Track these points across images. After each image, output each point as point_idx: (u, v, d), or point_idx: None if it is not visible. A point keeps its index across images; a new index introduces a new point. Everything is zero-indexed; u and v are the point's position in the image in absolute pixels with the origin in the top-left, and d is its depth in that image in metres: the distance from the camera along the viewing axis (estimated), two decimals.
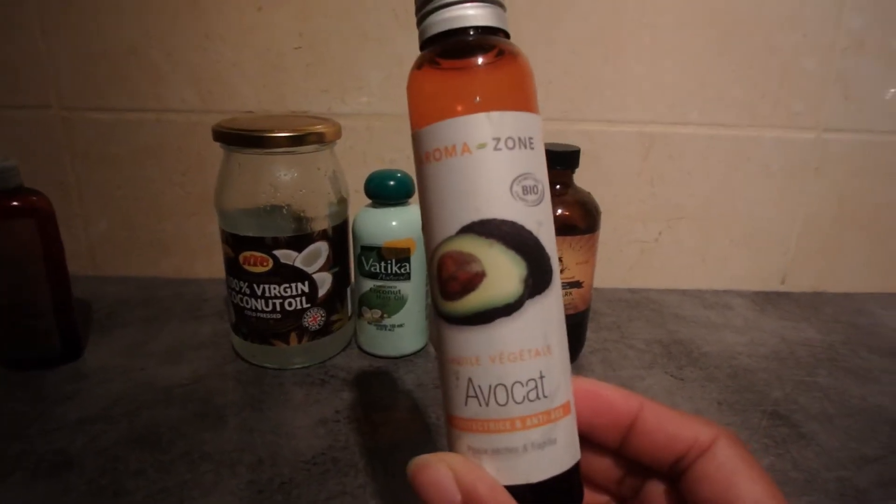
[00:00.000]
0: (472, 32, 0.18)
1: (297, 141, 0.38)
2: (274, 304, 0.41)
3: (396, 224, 0.42)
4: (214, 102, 0.54)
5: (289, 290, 0.40)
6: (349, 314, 0.46)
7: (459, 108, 0.17)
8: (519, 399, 0.16)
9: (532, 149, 0.17)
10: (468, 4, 0.18)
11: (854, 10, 0.52)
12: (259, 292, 0.40)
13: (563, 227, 0.40)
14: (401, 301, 0.43)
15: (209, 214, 0.57)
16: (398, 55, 0.53)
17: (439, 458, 0.17)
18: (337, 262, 0.42)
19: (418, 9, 0.18)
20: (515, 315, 0.16)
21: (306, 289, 0.41)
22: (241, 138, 0.38)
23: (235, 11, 0.51)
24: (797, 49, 0.53)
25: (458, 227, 0.17)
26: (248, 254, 0.39)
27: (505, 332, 0.16)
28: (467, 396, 0.17)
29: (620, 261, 0.60)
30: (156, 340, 0.47)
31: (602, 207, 0.43)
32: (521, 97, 0.18)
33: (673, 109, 0.55)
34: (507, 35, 0.19)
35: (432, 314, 0.18)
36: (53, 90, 0.54)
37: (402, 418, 0.38)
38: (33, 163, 0.55)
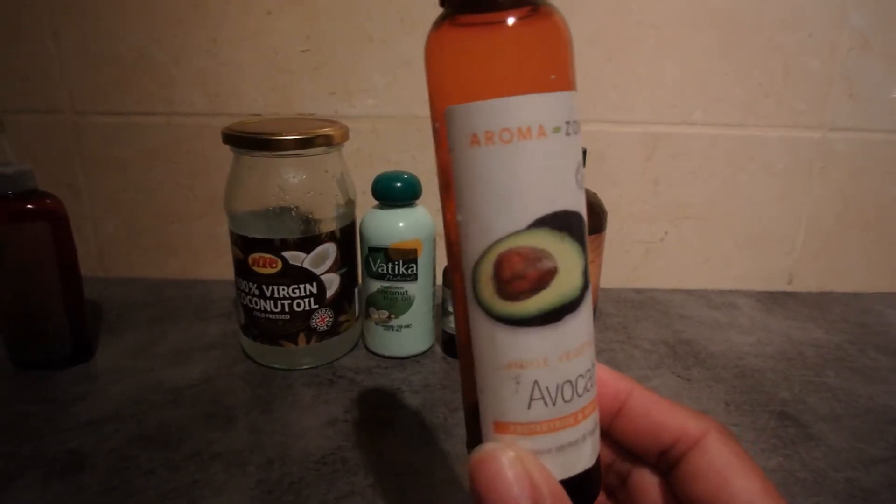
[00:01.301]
0: None
1: (306, 143, 0.38)
2: (283, 305, 0.41)
3: (403, 225, 0.42)
4: (222, 105, 0.55)
5: (297, 291, 0.41)
6: (357, 315, 0.46)
7: (537, 83, 0.15)
8: (581, 391, 0.16)
9: (580, 133, 0.16)
10: None
11: (858, 9, 0.52)
12: (268, 293, 0.41)
13: None
14: (408, 302, 0.43)
15: (216, 216, 0.58)
16: (403, 58, 0.53)
17: (507, 453, 0.15)
18: (345, 263, 0.43)
19: None
20: (578, 310, 0.16)
21: (314, 290, 0.41)
22: (250, 141, 0.38)
23: (243, 16, 0.52)
24: (801, 48, 0.53)
25: (529, 220, 0.15)
26: (257, 255, 0.40)
27: (571, 328, 0.15)
28: (531, 399, 0.16)
29: (626, 261, 0.60)
30: (164, 341, 0.47)
31: (607, 207, 0.43)
32: (567, 74, 0.16)
33: (676, 109, 0.55)
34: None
35: (474, 318, 0.16)
36: (65, 95, 0.54)
37: (410, 418, 0.38)
38: (44, 165, 0.55)
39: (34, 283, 0.40)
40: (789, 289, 0.61)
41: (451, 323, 0.45)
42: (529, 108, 0.14)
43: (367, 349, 0.46)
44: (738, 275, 0.60)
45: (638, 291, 0.60)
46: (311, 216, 0.40)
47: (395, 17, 0.52)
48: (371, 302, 0.44)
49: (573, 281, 0.15)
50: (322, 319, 0.42)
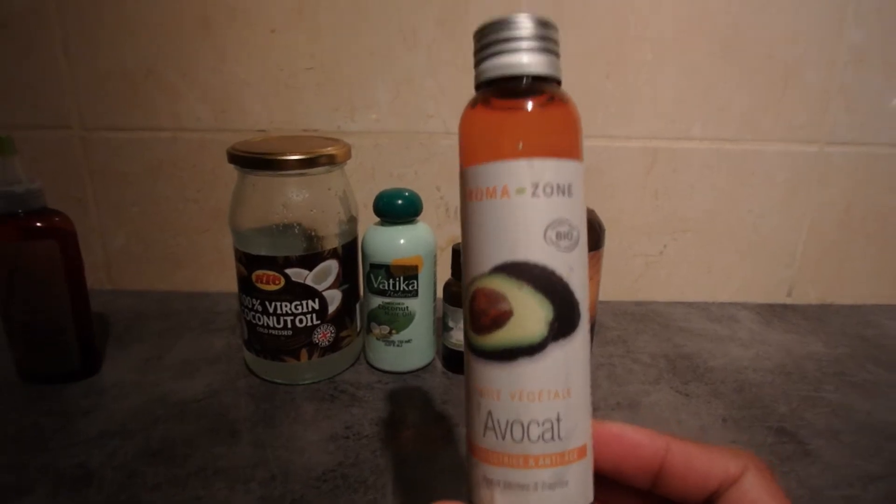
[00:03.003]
0: (524, 79, 0.18)
1: (309, 163, 0.39)
2: (285, 322, 0.42)
3: (404, 242, 0.43)
4: (228, 121, 0.56)
5: (300, 307, 0.41)
6: (358, 330, 0.47)
7: (503, 152, 0.18)
8: (534, 438, 0.17)
9: (570, 195, 0.18)
10: (524, 52, 0.18)
11: (855, 23, 0.52)
12: (271, 310, 0.41)
13: None
14: (409, 317, 0.44)
15: (222, 229, 0.59)
16: (406, 74, 0.54)
17: None
18: (346, 279, 0.43)
19: (476, 52, 0.19)
20: (538, 356, 0.17)
21: (316, 306, 0.42)
22: (254, 161, 0.39)
23: (249, 34, 0.53)
24: (799, 62, 0.53)
25: (491, 265, 0.17)
26: (260, 272, 0.41)
27: (526, 371, 0.17)
28: (486, 427, 0.18)
29: (626, 274, 0.60)
30: (170, 354, 0.48)
31: (607, 221, 0.44)
32: (565, 144, 0.18)
33: (676, 124, 0.55)
34: (558, 82, 0.19)
35: (464, 344, 0.19)
36: (74, 110, 0.55)
37: (411, 434, 0.39)
38: (53, 179, 0.56)
39: (43, 299, 0.41)
40: (789, 301, 0.61)
41: (451, 338, 0.45)
42: (493, 172, 0.18)
43: (369, 364, 0.47)
44: (738, 287, 0.61)
45: (638, 304, 0.60)
46: (313, 233, 0.41)
47: (397, 34, 0.53)
48: (372, 317, 0.45)
49: (531, 327, 0.17)
50: (324, 335, 0.43)
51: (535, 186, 0.17)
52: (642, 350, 0.51)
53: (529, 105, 0.18)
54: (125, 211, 0.59)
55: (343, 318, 0.44)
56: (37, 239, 0.40)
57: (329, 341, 0.44)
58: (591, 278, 0.42)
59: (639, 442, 0.19)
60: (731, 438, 0.39)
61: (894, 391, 0.45)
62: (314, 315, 0.42)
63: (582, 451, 0.18)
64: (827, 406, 0.43)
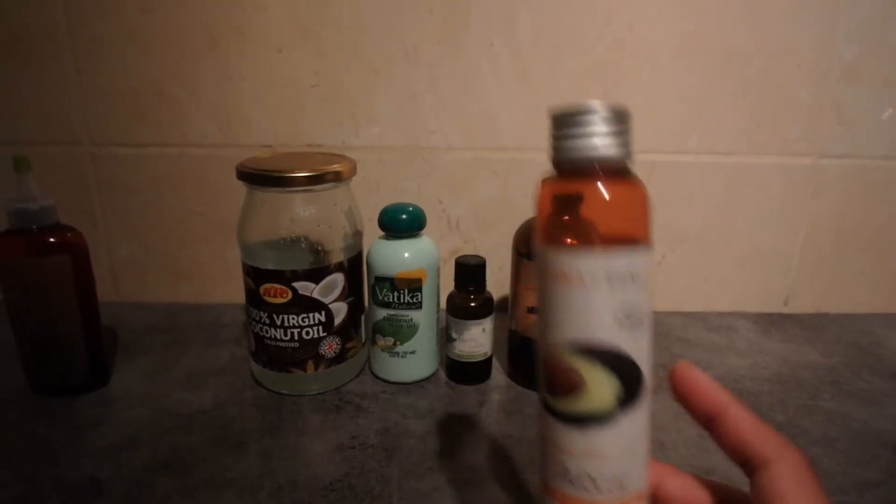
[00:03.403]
0: (599, 164, 0.19)
1: (316, 180, 0.40)
2: (292, 334, 0.42)
3: (409, 255, 0.44)
4: (234, 137, 0.57)
5: (306, 319, 0.42)
6: (363, 341, 0.48)
7: (579, 241, 0.19)
8: (602, 489, 0.19)
9: (639, 281, 0.19)
10: (599, 137, 0.19)
11: (847, 40, 0.54)
12: (278, 322, 0.42)
13: None
14: (413, 329, 0.45)
15: (227, 242, 0.60)
16: (408, 90, 0.55)
17: None
18: (352, 291, 0.44)
19: (553, 134, 0.20)
20: (607, 425, 0.19)
21: (323, 318, 0.43)
22: (262, 178, 0.40)
23: (255, 53, 0.54)
24: (792, 78, 0.55)
25: (566, 340, 0.19)
26: (268, 286, 0.42)
27: (597, 437, 0.19)
28: (558, 474, 0.20)
29: None
30: (177, 366, 0.49)
31: None
32: (636, 232, 0.19)
33: (672, 138, 0.57)
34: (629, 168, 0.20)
35: (539, 397, 0.21)
36: (83, 127, 0.57)
37: (416, 444, 0.39)
38: (61, 193, 0.57)
39: (55, 312, 0.42)
40: (786, 310, 0.62)
41: (454, 349, 0.46)
42: (571, 261, 0.19)
43: (373, 374, 0.48)
44: (735, 296, 0.62)
45: None
46: (320, 247, 0.42)
47: (399, 52, 0.54)
48: (377, 329, 0.46)
49: (601, 401, 0.19)
50: (330, 346, 0.44)
51: (608, 277, 0.19)
52: None
53: (604, 193, 0.19)
54: (132, 224, 0.60)
55: (349, 329, 0.45)
56: (49, 254, 0.41)
57: (335, 353, 0.44)
58: None
59: (704, 387, 0.22)
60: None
61: (890, 399, 0.46)
62: (321, 327, 0.43)
63: (639, 496, 0.20)
64: (823, 414, 0.44)
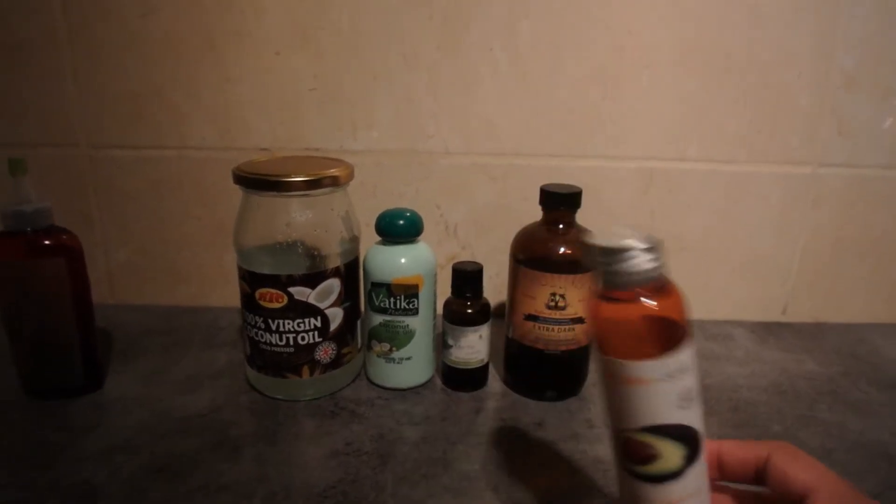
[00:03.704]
0: (647, 289, 0.23)
1: (313, 184, 0.40)
2: (287, 339, 0.42)
3: (405, 261, 0.44)
4: (232, 140, 0.57)
5: (302, 325, 0.42)
6: (359, 347, 0.48)
7: (642, 354, 0.24)
8: None
9: (688, 370, 0.24)
10: (645, 261, 0.23)
11: (847, 48, 0.54)
12: (274, 327, 0.42)
13: (567, 265, 0.42)
14: (409, 335, 0.45)
15: (224, 245, 0.60)
16: (406, 95, 0.55)
17: None
18: (348, 297, 0.44)
19: (602, 259, 0.23)
20: (679, 478, 0.25)
21: (319, 323, 0.43)
22: (259, 182, 0.40)
23: (254, 56, 0.54)
24: (791, 86, 0.55)
25: (640, 426, 0.24)
26: (263, 290, 0.41)
27: (672, 488, 0.25)
28: None
29: None
30: (174, 370, 0.49)
31: None
32: (683, 332, 0.24)
33: (672, 145, 0.56)
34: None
35: (621, 465, 0.26)
36: (81, 129, 0.56)
37: (410, 451, 0.39)
38: (59, 196, 0.57)
39: (50, 315, 0.42)
40: (783, 319, 0.62)
41: (450, 355, 0.46)
42: (636, 369, 0.24)
43: (369, 380, 0.48)
44: (733, 305, 0.61)
45: None
46: (316, 252, 0.42)
47: (398, 56, 0.54)
48: (373, 335, 0.45)
49: (672, 463, 0.25)
50: (325, 352, 0.44)
51: (668, 375, 0.24)
52: None
53: (655, 309, 0.24)
54: (129, 227, 0.60)
55: (345, 335, 0.45)
56: (45, 257, 0.41)
57: (330, 358, 0.44)
58: (586, 298, 0.43)
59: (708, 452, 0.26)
60: None
61: (887, 410, 0.46)
62: (316, 332, 0.43)
63: None
64: (821, 425, 0.44)
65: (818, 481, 0.24)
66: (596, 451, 0.40)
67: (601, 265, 0.24)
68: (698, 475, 0.25)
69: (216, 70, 0.55)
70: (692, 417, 0.24)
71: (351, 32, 0.54)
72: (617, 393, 0.25)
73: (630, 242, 0.23)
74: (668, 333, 0.24)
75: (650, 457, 0.24)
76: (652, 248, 0.23)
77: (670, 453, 0.24)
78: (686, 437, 0.24)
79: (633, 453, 0.25)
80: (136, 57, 0.54)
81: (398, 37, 0.54)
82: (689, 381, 0.24)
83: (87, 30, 0.54)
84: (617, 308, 0.24)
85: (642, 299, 0.23)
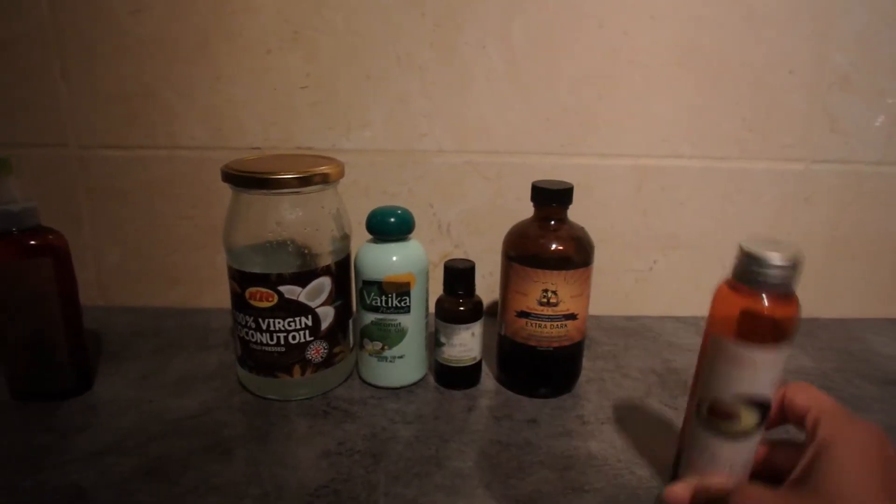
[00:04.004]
0: (780, 293, 0.29)
1: (303, 182, 0.40)
2: (278, 338, 0.42)
3: (397, 259, 0.43)
4: (223, 139, 0.57)
5: (293, 324, 0.42)
6: (351, 346, 0.47)
7: (760, 340, 0.29)
8: (734, 471, 0.32)
9: (782, 362, 0.30)
10: (784, 271, 0.28)
11: (839, 48, 0.54)
12: (264, 326, 0.42)
13: (559, 262, 0.42)
14: (401, 333, 0.45)
15: (216, 246, 0.59)
16: (400, 94, 0.55)
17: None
18: (339, 295, 0.44)
19: (749, 261, 0.29)
20: (748, 439, 0.31)
21: (310, 322, 0.42)
22: (248, 180, 0.40)
23: (245, 54, 0.54)
24: (785, 85, 0.55)
25: (734, 394, 0.30)
26: (254, 289, 0.41)
27: (742, 445, 0.31)
28: (703, 462, 0.32)
29: (616, 289, 0.61)
30: (165, 372, 0.48)
31: (597, 238, 0.45)
32: (792, 334, 0.30)
33: (665, 143, 0.57)
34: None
35: (694, 422, 0.32)
36: (71, 129, 0.56)
37: (403, 450, 0.39)
38: (48, 197, 0.57)
39: (37, 317, 0.42)
40: None
41: (443, 353, 0.46)
42: (754, 353, 0.29)
43: (361, 379, 0.47)
44: None
45: (629, 319, 0.61)
46: (307, 251, 0.42)
47: (392, 56, 0.54)
48: (365, 333, 0.45)
49: (748, 426, 0.31)
50: (317, 351, 0.44)
51: (773, 362, 0.29)
52: (632, 365, 0.51)
53: (782, 310, 0.29)
54: (120, 228, 0.59)
55: (336, 334, 0.44)
56: (31, 257, 0.40)
57: (322, 357, 0.44)
58: (581, 294, 0.43)
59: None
60: None
61: (880, 405, 0.46)
62: (307, 332, 0.42)
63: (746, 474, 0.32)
64: None
65: (814, 401, 0.30)
66: (589, 447, 0.40)
67: (742, 264, 0.29)
68: (757, 440, 0.31)
69: (208, 69, 0.55)
70: (770, 396, 0.30)
71: (344, 31, 0.54)
72: (719, 365, 0.30)
73: (771, 255, 0.28)
74: (776, 331, 0.29)
75: (733, 417, 0.30)
76: (787, 266, 0.28)
77: (749, 418, 0.30)
78: (763, 408, 0.30)
79: (719, 412, 0.31)
80: (127, 55, 0.54)
81: (392, 36, 0.53)
82: (780, 370, 0.30)
83: (76, 27, 0.53)
84: (742, 300, 0.29)
85: (764, 300, 0.29)
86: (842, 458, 0.26)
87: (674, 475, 0.35)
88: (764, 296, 0.29)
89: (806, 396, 0.30)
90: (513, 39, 0.53)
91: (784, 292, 0.29)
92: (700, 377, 0.32)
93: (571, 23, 0.53)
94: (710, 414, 0.31)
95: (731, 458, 0.31)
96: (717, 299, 0.31)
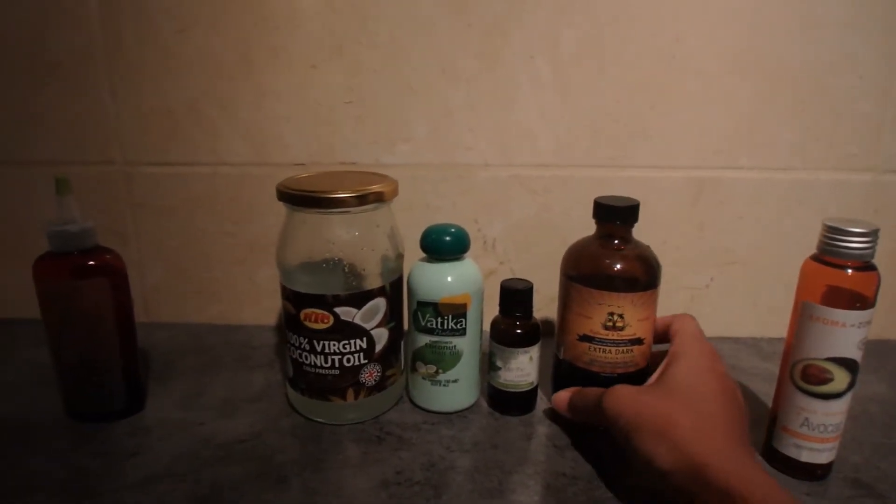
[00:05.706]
0: (863, 263, 0.34)
1: (359, 201, 0.39)
2: (333, 361, 0.41)
3: (452, 279, 0.42)
4: (266, 155, 0.56)
5: (348, 346, 0.41)
6: (402, 368, 0.46)
7: (848, 304, 0.34)
8: (826, 432, 0.36)
9: (866, 326, 0.34)
10: (867, 243, 0.33)
11: None
12: (319, 348, 0.41)
13: (625, 283, 0.40)
14: (456, 356, 0.43)
15: (257, 262, 0.59)
16: (445, 107, 0.54)
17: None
18: (393, 317, 0.43)
19: (833, 234, 0.34)
20: (841, 399, 0.35)
21: (364, 345, 0.41)
22: (304, 199, 0.39)
23: (289, 70, 0.54)
24: (851, 91, 0.52)
25: (825, 356, 0.35)
26: (309, 311, 0.40)
27: (835, 404, 0.35)
28: (801, 423, 0.36)
29: (671, 308, 0.58)
30: (210, 392, 0.48)
31: None
32: (874, 298, 0.34)
33: (722, 154, 0.54)
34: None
35: (793, 382, 0.37)
36: (117, 146, 0.56)
37: (464, 481, 0.37)
38: (95, 214, 0.57)
39: (94, 337, 0.41)
40: None
41: (498, 377, 0.44)
42: (842, 315, 0.34)
43: (413, 403, 0.46)
44: (788, 322, 0.58)
45: None
46: (362, 271, 0.40)
47: (436, 68, 0.53)
48: (418, 356, 0.44)
49: (839, 386, 0.35)
50: (371, 374, 0.42)
51: (859, 323, 0.34)
52: None
53: (866, 278, 0.34)
54: (164, 244, 0.59)
55: (389, 356, 0.43)
56: (89, 277, 0.40)
57: (375, 380, 0.43)
58: (647, 318, 0.41)
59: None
60: (805, 490, 0.37)
61: None
62: (362, 354, 0.41)
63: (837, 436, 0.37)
64: None
65: (679, 325, 0.41)
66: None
67: (828, 238, 0.34)
68: (849, 401, 0.35)
69: (250, 85, 0.54)
70: (861, 358, 0.34)
71: (388, 44, 0.53)
72: (812, 330, 0.35)
73: (852, 228, 0.33)
74: (859, 297, 0.33)
75: (825, 379, 0.34)
76: (867, 239, 0.33)
77: (841, 379, 0.34)
78: (853, 369, 0.34)
79: (812, 376, 0.35)
80: (172, 73, 0.54)
81: (435, 47, 0.52)
82: (865, 333, 0.34)
83: (124, 46, 0.53)
84: (827, 270, 0.34)
85: (848, 270, 0.34)
86: (684, 364, 0.37)
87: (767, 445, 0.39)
88: (843, 264, 0.34)
89: (680, 323, 0.41)
90: (562, 49, 0.52)
91: (858, 263, 0.34)
92: (792, 342, 0.36)
93: (622, 30, 0.51)
94: (805, 378, 0.35)
95: (823, 419, 0.35)
96: (804, 273, 0.36)
